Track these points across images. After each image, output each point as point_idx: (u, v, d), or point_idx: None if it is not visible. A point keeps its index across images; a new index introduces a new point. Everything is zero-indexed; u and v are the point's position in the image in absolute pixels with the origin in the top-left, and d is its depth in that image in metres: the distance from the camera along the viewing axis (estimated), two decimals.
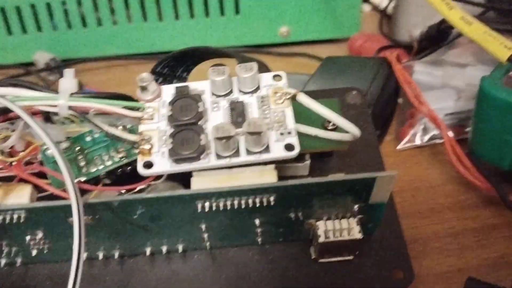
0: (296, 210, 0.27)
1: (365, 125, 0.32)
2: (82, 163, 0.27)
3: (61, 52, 0.52)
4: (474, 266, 0.30)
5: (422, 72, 0.42)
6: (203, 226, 0.27)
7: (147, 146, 0.25)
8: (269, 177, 0.25)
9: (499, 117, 0.31)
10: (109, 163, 0.27)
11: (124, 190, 0.27)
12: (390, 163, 0.33)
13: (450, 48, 0.43)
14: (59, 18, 0.50)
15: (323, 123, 0.30)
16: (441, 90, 0.41)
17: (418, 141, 0.40)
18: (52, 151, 0.24)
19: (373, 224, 0.28)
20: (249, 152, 0.25)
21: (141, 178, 0.27)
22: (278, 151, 0.25)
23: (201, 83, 0.28)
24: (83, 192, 0.24)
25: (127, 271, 0.28)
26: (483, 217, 0.34)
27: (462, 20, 0.33)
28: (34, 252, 0.27)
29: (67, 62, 0.51)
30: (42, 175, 0.27)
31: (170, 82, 0.32)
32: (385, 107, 0.42)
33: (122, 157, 0.27)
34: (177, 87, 0.28)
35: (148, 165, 0.25)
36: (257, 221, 0.27)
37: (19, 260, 0.28)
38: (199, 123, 0.26)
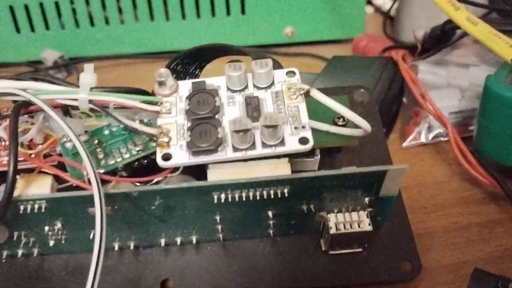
0: (308, 203, 0.27)
1: (372, 122, 0.33)
2: (101, 156, 0.28)
3: (69, 51, 0.52)
4: (479, 259, 0.31)
5: (427, 72, 0.43)
6: (218, 218, 0.27)
7: (165, 139, 0.26)
8: (283, 169, 0.26)
9: (503, 115, 0.32)
10: (127, 155, 0.28)
11: (141, 183, 0.28)
12: (396, 161, 0.33)
13: (454, 49, 0.44)
14: (67, 17, 0.50)
15: (333, 119, 0.31)
16: (445, 89, 0.42)
17: (423, 139, 0.40)
18: (74, 142, 0.24)
19: (382, 217, 0.29)
20: (264, 145, 0.26)
21: (155, 171, 0.27)
22: (293, 144, 0.26)
23: (216, 78, 0.29)
24: (102, 183, 0.24)
25: (142, 262, 0.29)
26: (488, 212, 0.34)
27: (468, 20, 0.34)
28: (51, 243, 0.28)
29: (75, 61, 0.52)
30: (60, 168, 0.27)
31: (183, 79, 0.33)
32: (391, 106, 0.43)
33: (139, 150, 0.28)
34: (193, 83, 0.29)
35: (167, 157, 0.26)
36: (270, 213, 0.27)
37: (35, 251, 0.29)
38: (216, 116, 0.27)
